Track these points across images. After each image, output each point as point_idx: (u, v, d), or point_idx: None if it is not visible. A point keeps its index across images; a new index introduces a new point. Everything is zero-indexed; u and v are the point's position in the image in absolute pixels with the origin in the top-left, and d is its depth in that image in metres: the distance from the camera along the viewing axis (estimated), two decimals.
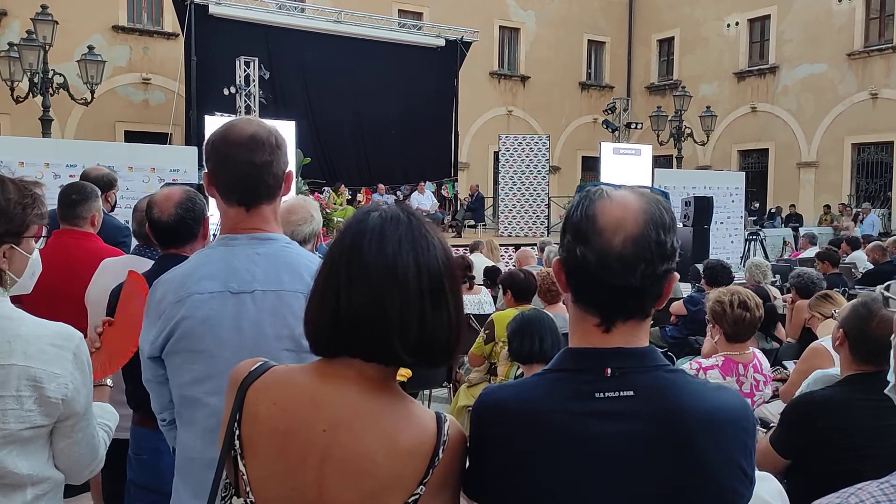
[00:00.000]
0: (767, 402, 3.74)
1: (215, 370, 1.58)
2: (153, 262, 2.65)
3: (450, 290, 1.21)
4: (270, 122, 1.82)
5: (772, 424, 3.31)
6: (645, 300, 1.18)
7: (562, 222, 1.24)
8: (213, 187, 1.72)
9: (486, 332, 4.87)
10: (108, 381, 2.10)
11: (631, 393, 1.15)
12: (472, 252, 9.56)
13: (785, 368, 4.83)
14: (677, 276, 1.23)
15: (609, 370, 1.16)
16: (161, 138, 17.07)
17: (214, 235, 1.90)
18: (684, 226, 15.06)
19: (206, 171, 1.73)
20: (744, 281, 6.97)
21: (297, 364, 1.28)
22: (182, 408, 1.68)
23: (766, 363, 3.60)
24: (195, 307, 1.64)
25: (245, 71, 15.59)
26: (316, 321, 1.21)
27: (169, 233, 2.48)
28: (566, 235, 1.20)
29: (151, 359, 1.71)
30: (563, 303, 1.34)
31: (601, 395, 1.15)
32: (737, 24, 24.69)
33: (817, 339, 4.24)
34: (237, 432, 1.22)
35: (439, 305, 1.19)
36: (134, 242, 3.19)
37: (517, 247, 11.78)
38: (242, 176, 1.68)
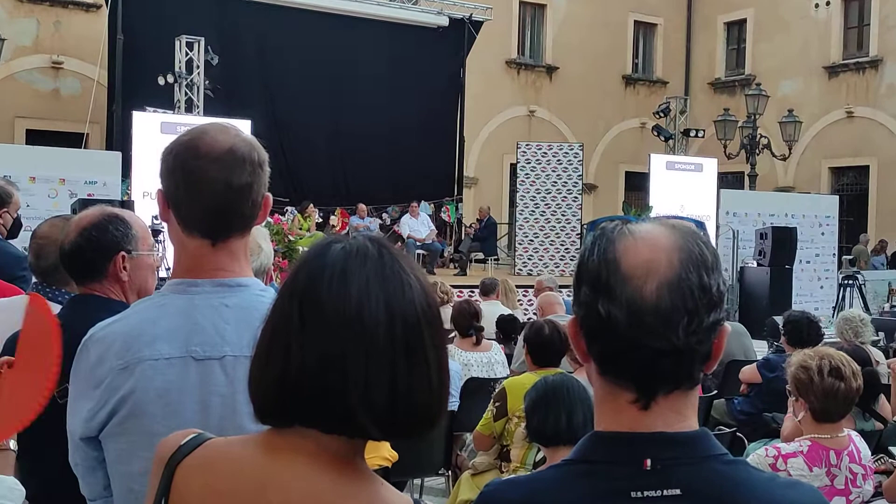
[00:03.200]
0: (868, 502, 3.72)
1: None
2: (60, 305, 2.67)
3: (430, 344, 1.24)
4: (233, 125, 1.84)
5: None
6: (692, 363, 1.20)
7: (574, 271, 1.26)
8: (172, 212, 1.75)
9: (497, 403, 4.86)
10: (12, 445, 2.08)
11: (678, 492, 1.16)
12: (484, 296, 9.33)
13: (891, 457, 4.81)
14: (728, 328, 1.25)
15: (649, 462, 1.17)
16: (75, 140, 17.16)
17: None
18: (759, 265, 15.11)
19: (162, 189, 1.76)
20: (837, 340, 6.97)
21: None
22: None
23: (865, 450, 3.60)
24: (148, 377, 1.65)
25: (187, 54, 15.74)
26: (261, 381, 1.24)
27: (66, 266, 2.55)
28: (582, 288, 1.22)
29: (86, 439, 1.71)
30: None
31: (639, 494, 1.16)
32: (828, 3, 24.98)
33: None
34: None
35: (416, 362, 1.21)
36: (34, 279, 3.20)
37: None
38: (214, 201, 1.71)
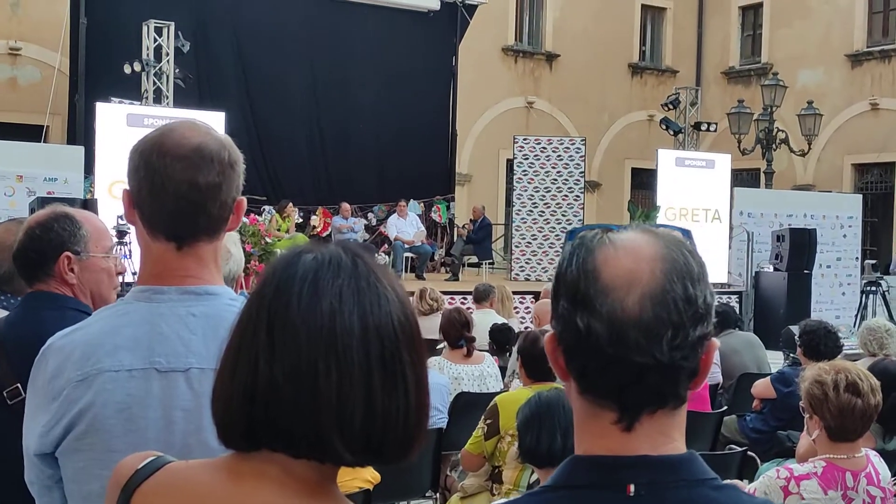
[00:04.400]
0: None
1: None
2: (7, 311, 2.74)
3: (409, 360, 1.24)
4: (202, 117, 1.87)
5: None
6: (678, 380, 1.21)
7: (552, 283, 1.27)
8: (136, 212, 1.78)
9: (488, 421, 4.86)
10: None
11: None
12: (477, 302, 9.38)
13: None
14: (717, 343, 1.26)
15: (632, 487, 1.18)
16: (33, 133, 17.11)
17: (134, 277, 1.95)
18: (776, 270, 15.12)
19: (128, 188, 1.79)
20: (859, 351, 6.98)
21: None
22: None
23: (885, 471, 3.60)
24: (108, 390, 1.67)
25: (156, 40, 15.70)
26: (226, 398, 1.25)
27: (17, 269, 2.60)
28: (560, 301, 1.23)
29: (41, 456, 1.72)
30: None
31: None
32: None
33: None
34: None
35: (394, 381, 1.22)
36: None
37: (537, 295, 11.76)
38: (178, 201, 1.74)
